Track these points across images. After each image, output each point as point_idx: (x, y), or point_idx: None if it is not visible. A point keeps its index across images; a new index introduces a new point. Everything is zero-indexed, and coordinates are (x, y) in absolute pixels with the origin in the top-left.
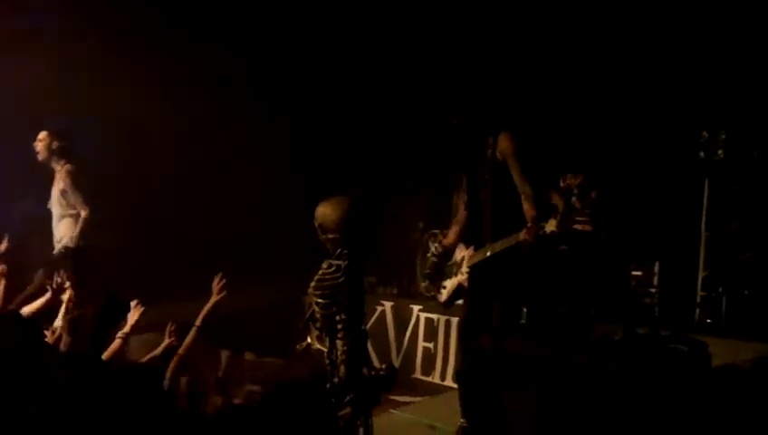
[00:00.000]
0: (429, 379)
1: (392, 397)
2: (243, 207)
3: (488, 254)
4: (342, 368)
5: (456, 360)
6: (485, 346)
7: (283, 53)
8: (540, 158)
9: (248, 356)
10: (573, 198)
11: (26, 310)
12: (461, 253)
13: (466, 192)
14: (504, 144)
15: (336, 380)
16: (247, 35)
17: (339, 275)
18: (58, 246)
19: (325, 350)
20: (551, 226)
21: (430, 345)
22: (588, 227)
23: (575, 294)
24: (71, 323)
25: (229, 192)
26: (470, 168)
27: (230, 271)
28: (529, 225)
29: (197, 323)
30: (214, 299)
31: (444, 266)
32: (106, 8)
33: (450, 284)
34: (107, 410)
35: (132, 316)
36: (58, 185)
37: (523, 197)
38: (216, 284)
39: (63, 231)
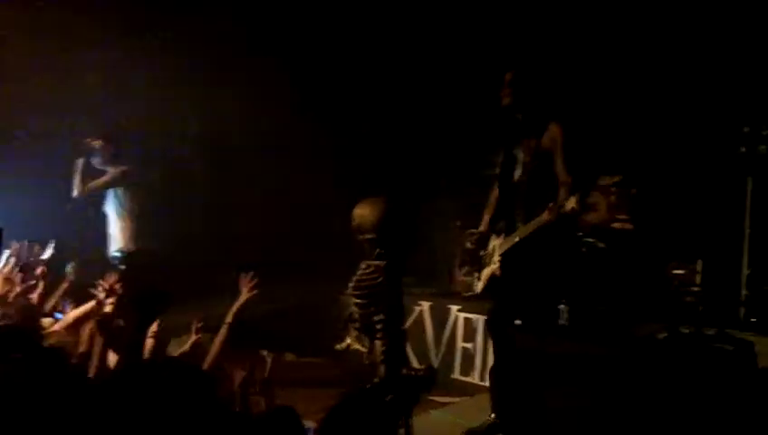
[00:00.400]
0: (469, 379)
1: (432, 397)
2: (281, 208)
3: (517, 239)
4: (382, 368)
5: None
6: (525, 345)
7: (321, 52)
8: (582, 153)
9: (288, 357)
10: (612, 197)
11: (72, 314)
12: (493, 242)
13: (500, 175)
14: (554, 132)
15: (375, 380)
16: (286, 37)
17: (377, 275)
18: (113, 250)
19: (364, 350)
20: (570, 202)
21: (469, 346)
22: (628, 226)
23: (616, 293)
24: (100, 324)
25: (269, 193)
26: (509, 151)
27: (269, 271)
28: (551, 205)
29: (228, 320)
30: (244, 296)
31: (479, 255)
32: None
33: (484, 274)
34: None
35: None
36: (117, 188)
37: (561, 186)
38: (246, 282)
39: (119, 234)
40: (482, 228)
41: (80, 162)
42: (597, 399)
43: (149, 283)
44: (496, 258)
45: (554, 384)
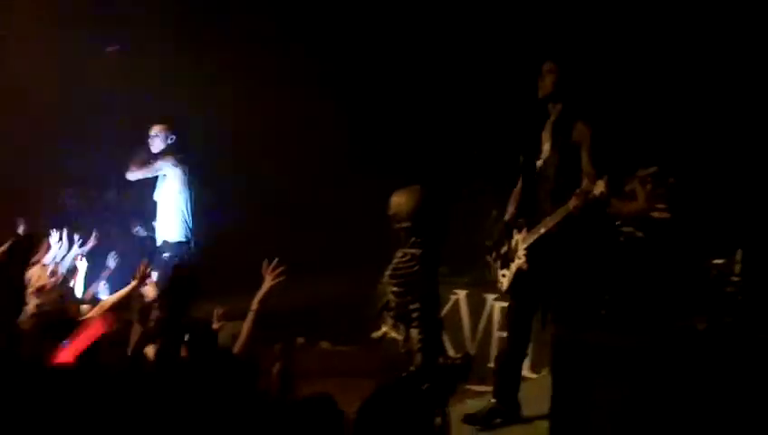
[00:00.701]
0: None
1: (468, 386)
2: (317, 198)
3: (542, 231)
4: (418, 357)
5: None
6: (564, 337)
7: (360, 49)
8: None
9: (324, 345)
10: (649, 186)
11: (108, 301)
12: (516, 237)
13: (523, 166)
14: (583, 127)
15: (411, 369)
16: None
17: (413, 263)
18: (161, 238)
19: (400, 339)
20: (599, 187)
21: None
22: (666, 215)
23: (655, 284)
24: (141, 312)
25: (303, 184)
26: (533, 142)
27: (305, 261)
28: (577, 191)
29: (253, 307)
30: (268, 284)
31: (501, 251)
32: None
33: (510, 270)
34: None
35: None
36: (170, 177)
37: (585, 176)
38: (268, 269)
39: (167, 224)
40: (507, 219)
41: (138, 150)
42: (636, 390)
43: (182, 271)
44: (521, 253)
45: (592, 376)
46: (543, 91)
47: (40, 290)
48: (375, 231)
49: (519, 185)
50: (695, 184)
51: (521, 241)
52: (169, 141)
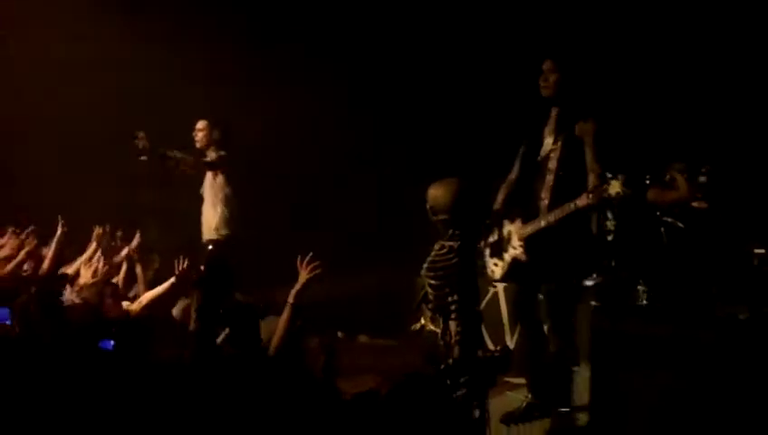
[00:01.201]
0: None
1: (507, 379)
2: (354, 191)
3: (542, 224)
4: (456, 349)
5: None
6: (603, 326)
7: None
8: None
9: (362, 339)
10: (685, 175)
11: (147, 296)
12: (507, 227)
13: (523, 157)
14: (588, 122)
15: (450, 361)
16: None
17: (451, 256)
18: (205, 235)
19: (439, 331)
20: (614, 187)
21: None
22: (704, 204)
23: (697, 273)
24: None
25: (340, 177)
26: (535, 134)
27: (342, 254)
28: (590, 188)
29: (290, 300)
30: (303, 278)
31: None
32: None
33: (504, 260)
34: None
35: None
36: (213, 174)
37: (590, 173)
38: (304, 264)
39: (211, 220)
40: (496, 207)
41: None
42: (677, 381)
43: (215, 262)
44: (517, 243)
45: (632, 366)
46: (547, 91)
47: (81, 287)
48: (412, 223)
49: (514, 175)
50: (735, 173)
51: (514, 231)
52: (214, 137)
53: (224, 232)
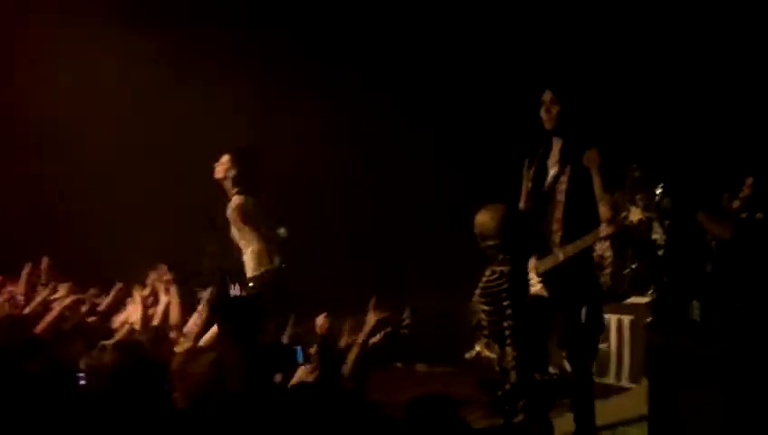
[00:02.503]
0: (604, 380)
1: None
2: (405, 218)
3: (561, 258)
4: (513, 374)
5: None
6: (660, 345)
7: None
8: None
9: (420, 367)
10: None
11: (195, 329)
12: None
13: (532, 190)
14: (593, 152)
15: (508, 386)
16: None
17: (502, 281)
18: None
19: (495, 357)
20: (635, 214)
21: (603, 346)
22: (760, 215)
23: (750, 288)
24: None
25: (393, 203)
26: (541, 164)
27: (395, 281)
28: (607, 220)
29: (359, 340)
30: (372, 321)
31: None
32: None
33: None
34: None
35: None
36: (232, 208)
37: (601, 202)
38: (373, 309)
39: (248, 258)
40: None
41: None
42: (733, 398)
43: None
44: (535, 279)
45: (689, 384)
46: (550, 123)
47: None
48: (464, 250)
49: (521, 206)
50: None
51: (531, 268)
52: (232, 173)
53: (251, 270)
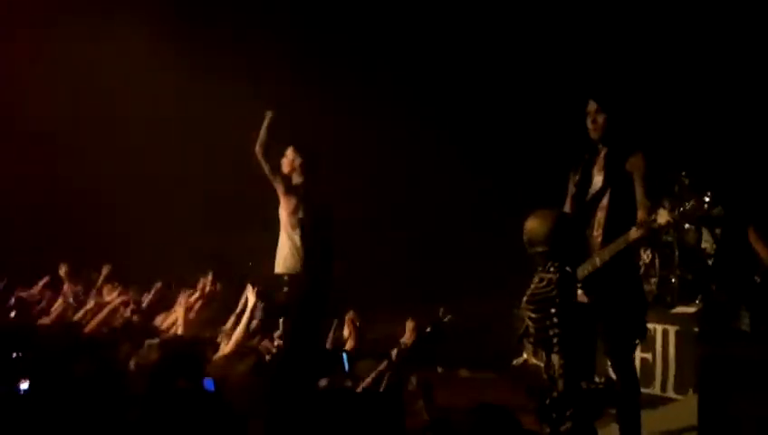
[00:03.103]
0: (649, 390)
1: (613, 410)
2: (452, 223)
3: (597, 263)
4: (560, 382)
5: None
6: (710, 354)
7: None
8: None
9: (463, 373)
10: None
11: (238, 334)
12: None
13: (576, 196)
14: (637, 159)
15: (555, 394)
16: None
17: (551, 288)
18: (278, 267)
19: (542, 365)
20: (662, 217)
21: (648, 356)
22: None
23: None
24: None
25: (441, 210)
26: (586, 171)
27: (442, 286)
28: (638, 223)
29: (393, 358)
30: (410, 338)
31: None
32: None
33: None
34: None
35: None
36: (283, 203)
37: (641, 207)
38: (412, 326)
39: (281, 255)
40: None
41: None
42: None
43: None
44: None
45: (740, 391)
46: (596, 133)
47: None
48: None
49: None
50: None
51: None
52: (296, 163)
53: (291, 269)
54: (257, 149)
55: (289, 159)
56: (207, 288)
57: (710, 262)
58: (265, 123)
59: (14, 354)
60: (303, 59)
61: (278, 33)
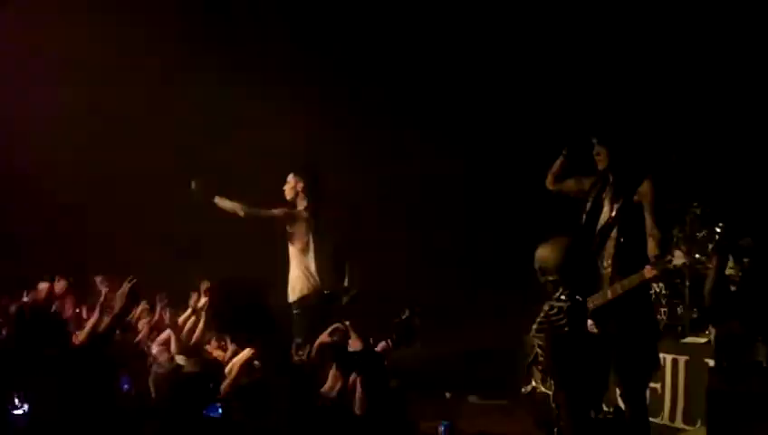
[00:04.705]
0: (658, 420)
1: None
2: (462, 250)
3: (609, 296)
4: (565, 411)
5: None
6: (719, 386)
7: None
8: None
9: (472, 399)
10: None
11: (238, 361)
12: None
13: (585, 225)
14: (645, 188)
15: (562, 423)
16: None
17: (561, 316)
18: (289, 293)
19: (550, 393)
20: (678, 259)
21: (657, 386)
22: None
23: None
24: None
25: (451, 237)
26: (596, 201)
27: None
28: (653, 261)
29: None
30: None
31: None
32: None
33: None
34: None
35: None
36: (293, 227)
37: (650, 238)
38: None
39: (293, 277)
40: None
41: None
42: None
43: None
44: None
45: (748, 424)
46: (602, 163)
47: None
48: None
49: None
50: None
51: None
52: (298, 190)
53: (301, 291)
54: (243, 216)
55: (291, 185)
56: (201, 303)
57: (733, 288)
58: (226, 205)
59: None
60: (317, 63)
61: (287, 39)
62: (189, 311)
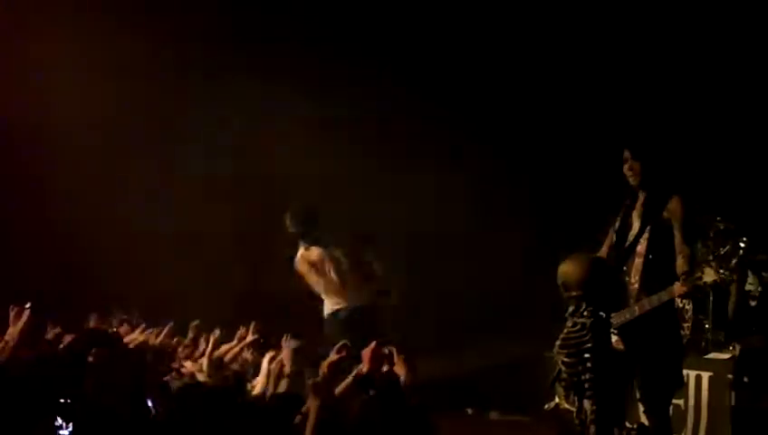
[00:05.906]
0: None
1: None
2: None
3: (637, 312)
4: (592, 428)
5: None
6: (741, 403)
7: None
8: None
9: (493, 415)
10: None
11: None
12: None
13: (616, 243)
14: (675, 205)
15: None
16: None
17: (584, 333)
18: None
19: (574, 410)
20: (709, 275)
21: (680, 402)
22: None
23: None
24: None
25: (475, 252)
26: (625, 218)
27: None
28: (683, 278)
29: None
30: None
31: None
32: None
33: None
34: None
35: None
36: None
37: (680, 255)
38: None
39: (328, 298)
40: None
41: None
42: None
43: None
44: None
45: None
46: (634, 179)
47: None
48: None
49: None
50: None
51: None
52: (293, 227)
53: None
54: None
55: (287, 224)
56: (249, 338)
57: (753, 303)
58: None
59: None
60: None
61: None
62: (235, 342)
